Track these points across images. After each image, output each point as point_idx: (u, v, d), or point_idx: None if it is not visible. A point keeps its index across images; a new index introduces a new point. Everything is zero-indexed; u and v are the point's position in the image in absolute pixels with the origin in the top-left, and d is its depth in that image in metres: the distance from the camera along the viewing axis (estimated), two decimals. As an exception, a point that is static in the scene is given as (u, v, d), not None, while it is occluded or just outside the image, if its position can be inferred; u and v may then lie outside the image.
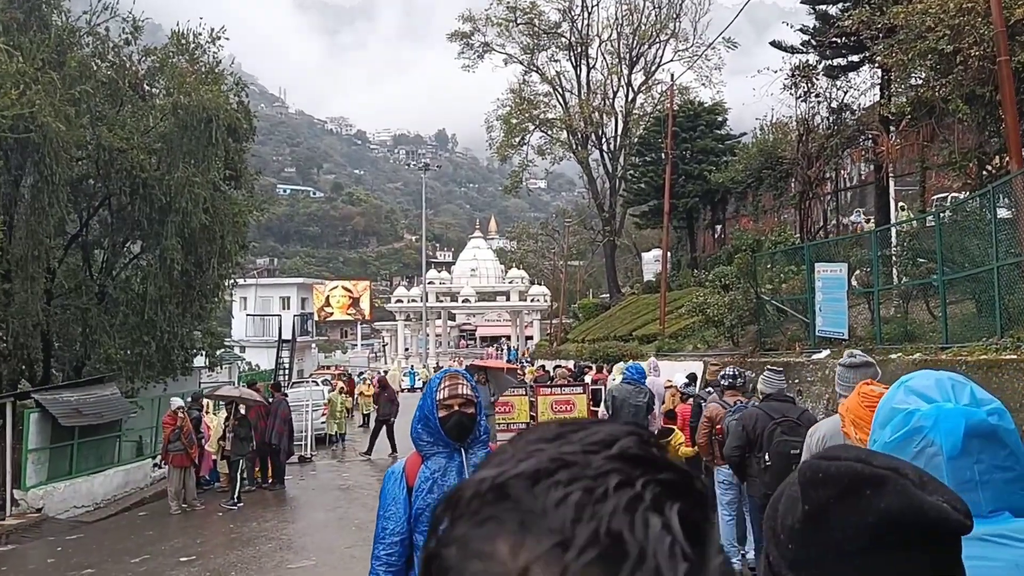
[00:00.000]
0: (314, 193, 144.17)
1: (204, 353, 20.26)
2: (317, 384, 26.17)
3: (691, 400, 10.30)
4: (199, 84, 17.27)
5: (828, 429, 4.00)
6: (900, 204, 16.59)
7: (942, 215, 11.39)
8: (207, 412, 15.19)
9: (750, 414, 6.33)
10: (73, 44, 16.92)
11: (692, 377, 12.05)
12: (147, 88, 19.34)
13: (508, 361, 40.18)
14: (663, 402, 11.33)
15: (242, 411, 13.23)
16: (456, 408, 3.05)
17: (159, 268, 17.20)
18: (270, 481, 14.58)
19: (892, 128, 17.01)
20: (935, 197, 17.05)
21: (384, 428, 18.29)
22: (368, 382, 27.93)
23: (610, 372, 17.99)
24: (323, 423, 19.53)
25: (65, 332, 17.31)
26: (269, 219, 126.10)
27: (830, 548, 0.93)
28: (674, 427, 9.69)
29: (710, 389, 9.91)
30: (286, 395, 15.88)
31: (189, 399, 13.64)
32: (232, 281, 21.32)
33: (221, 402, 14.67)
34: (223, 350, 25.46)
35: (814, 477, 0.97)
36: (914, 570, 0.90)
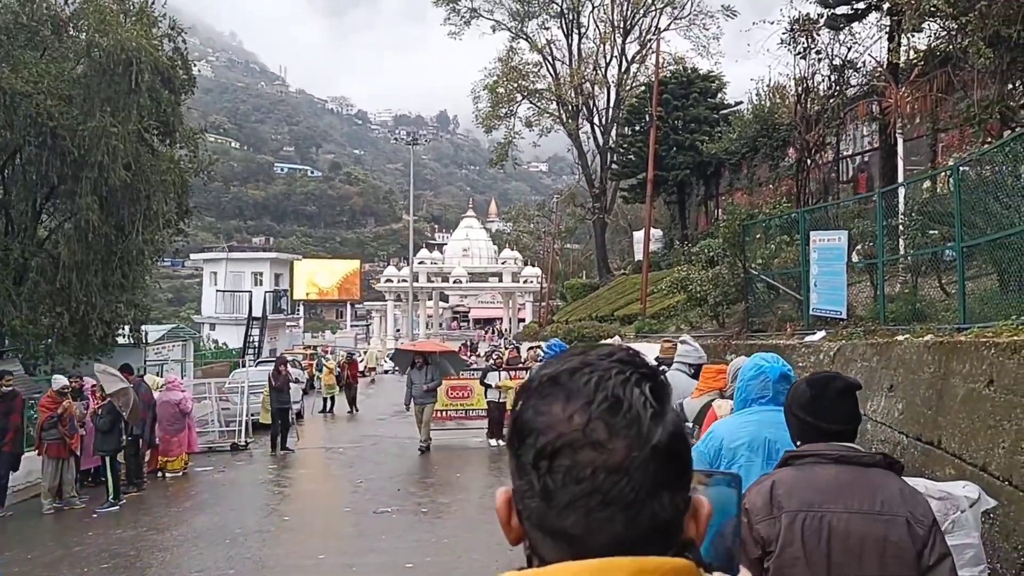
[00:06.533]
0: (312, 172, 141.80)
1: (129, 327, 18.24)
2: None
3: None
4: (119, 23, 15.28)
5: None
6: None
7: (961, 168, 9.36)
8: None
9: None
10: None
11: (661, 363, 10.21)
12: (72, 33, 17.34)
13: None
14: None
15: (119, 403, 11.03)
16: None
17: (74, 230, 15.29)
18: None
19: (902, 82, 15.02)
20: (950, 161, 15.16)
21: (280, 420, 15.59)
22: (332, 362, 25.89)
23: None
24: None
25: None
26: (266, 197, 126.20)
27: (820, 406, 2.45)
28: None
29: (664, 368, 8.40)
30: (141, 377, 13.64)
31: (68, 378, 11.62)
32: (166, 248, 19.34)
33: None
34: (173, 326, 23.52)
35: (814, 380, 2.55)
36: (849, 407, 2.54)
